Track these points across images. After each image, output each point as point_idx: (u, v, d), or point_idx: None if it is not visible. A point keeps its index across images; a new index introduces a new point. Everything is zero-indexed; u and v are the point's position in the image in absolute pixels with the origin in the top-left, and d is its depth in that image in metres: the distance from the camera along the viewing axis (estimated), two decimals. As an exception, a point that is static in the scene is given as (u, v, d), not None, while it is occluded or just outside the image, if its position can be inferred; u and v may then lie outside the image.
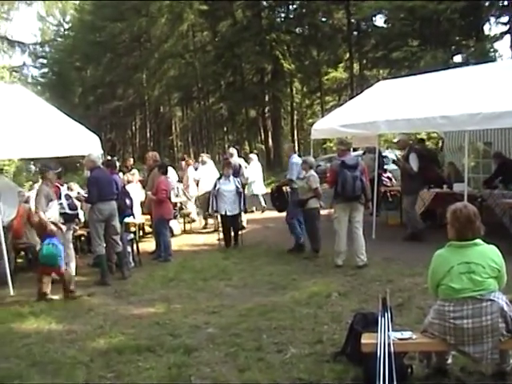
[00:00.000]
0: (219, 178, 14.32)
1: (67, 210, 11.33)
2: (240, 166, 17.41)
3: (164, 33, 51.34)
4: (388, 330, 5.38)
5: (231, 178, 14.02)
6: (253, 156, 21.32)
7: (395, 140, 13.43)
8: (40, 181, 11.20)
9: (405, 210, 13.80)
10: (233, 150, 18.22)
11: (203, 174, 17.17)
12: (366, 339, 5.46)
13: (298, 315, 8.00)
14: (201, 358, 6.53)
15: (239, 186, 13.97)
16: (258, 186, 20.22)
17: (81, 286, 10.84)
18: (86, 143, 12.52)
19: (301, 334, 7.18)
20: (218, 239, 14.40)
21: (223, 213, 13.83)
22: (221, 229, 14.46)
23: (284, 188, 13.53)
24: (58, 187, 11.50)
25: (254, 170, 19.90)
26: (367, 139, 14.09)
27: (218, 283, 10.43)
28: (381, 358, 5.02)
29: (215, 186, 13.96)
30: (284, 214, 13.47)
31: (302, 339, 6.99)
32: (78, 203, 12.09)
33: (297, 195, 12.77)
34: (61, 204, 11.25)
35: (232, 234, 14.22)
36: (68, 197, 11.46)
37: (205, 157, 18.04)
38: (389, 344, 5.17)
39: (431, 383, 5.49)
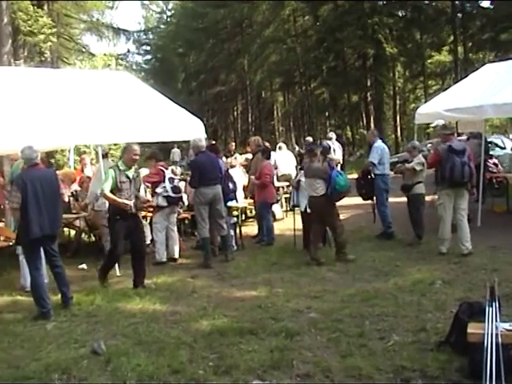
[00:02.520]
0: (301, 169, 12.75)
1: (170, 193, 11.59)
2: (329, 147, 17.72)
3: (266, 18, 51.45)
4: (496, 321, 5.25)
5: None
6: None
7: (433, 125, 13.15)
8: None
9: None
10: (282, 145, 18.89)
11: (280, 160, 17.42)
12: (473, 329, 5.36)
13: (401, 302, 7.92)
14: (303, 343, 6.56)
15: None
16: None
17: (184, 269, 11.09)
18: (190, 128, 12.75)
19: (404, 322, 7.11)
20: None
21: (302, 209, 12.12)
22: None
23: (369, 175, 13.01)
24: (163, 170, 11.76)
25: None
26: (472, 124, 13.76)
27: (320, 268, 10.45)
28: (488, 349, 4.91)
29: (296, 176, 13.17)
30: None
31: (405, 327, 6.92)
32: (182, 186, 12.36)
33: (381, 181, 12.77)
34: (164, 187, 11.51)
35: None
36: (172, 180, 11.70)
37: (280, 143, 18.98)
38: (496, 334, 5.05)
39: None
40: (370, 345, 6.37)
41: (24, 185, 8.21)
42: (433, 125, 13.24)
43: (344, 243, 11.03)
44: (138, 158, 9.64)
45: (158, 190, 11.70)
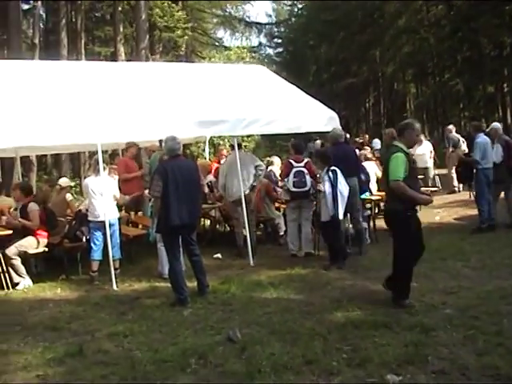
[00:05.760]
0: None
1: (290, 187, 11.46)
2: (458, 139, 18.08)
3: (397, 9, 50.50)
4: None
5: (328, 173, 10.50)
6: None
7: (487, 130, 12.99)
8: None
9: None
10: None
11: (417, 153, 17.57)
12: None
13: (542, 301, 7.66)
14: (438, 339, 6.47)
15: (333, 184, 10.40)
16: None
17: (317, 260, 11.15)
18: (325, 120, 12.74)
19: (546, 323, 6.87)
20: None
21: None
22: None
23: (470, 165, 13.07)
24: (291, 163, 11.67)
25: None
26: None
27: (455, 263, 10.23)
28: None
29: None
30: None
31: (546, 326, 6.69)
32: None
33: (482, 174, 12.66)
34: (287, 181, 11.49)
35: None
36: (297, 174, 11.50)
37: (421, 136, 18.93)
38: None
39: None
40: (509, 344, 6.19)
41: (165, 174, 8.50)
42: (488, 129, 13.19)
43: None
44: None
45: (281, 183, 11.81)
